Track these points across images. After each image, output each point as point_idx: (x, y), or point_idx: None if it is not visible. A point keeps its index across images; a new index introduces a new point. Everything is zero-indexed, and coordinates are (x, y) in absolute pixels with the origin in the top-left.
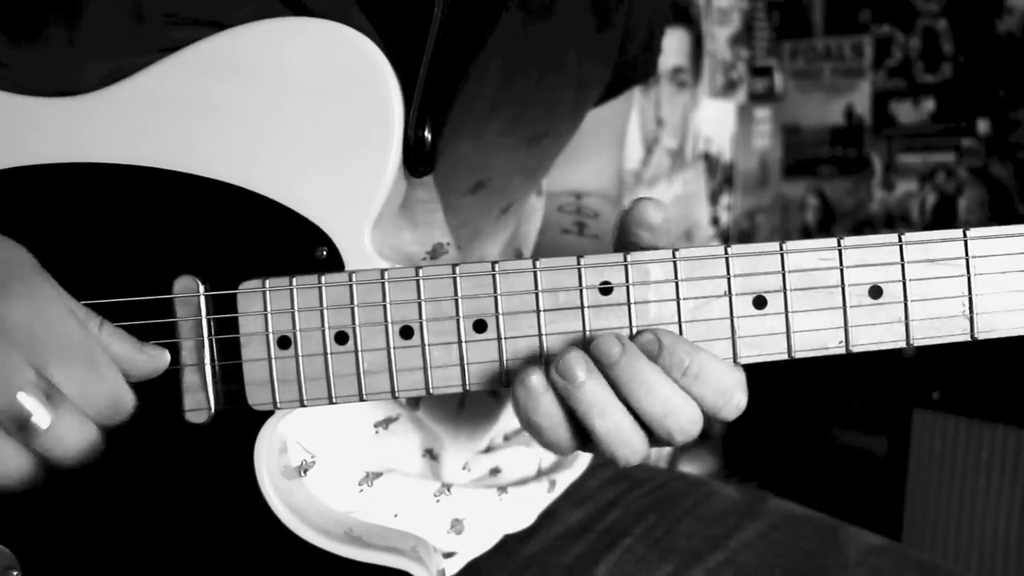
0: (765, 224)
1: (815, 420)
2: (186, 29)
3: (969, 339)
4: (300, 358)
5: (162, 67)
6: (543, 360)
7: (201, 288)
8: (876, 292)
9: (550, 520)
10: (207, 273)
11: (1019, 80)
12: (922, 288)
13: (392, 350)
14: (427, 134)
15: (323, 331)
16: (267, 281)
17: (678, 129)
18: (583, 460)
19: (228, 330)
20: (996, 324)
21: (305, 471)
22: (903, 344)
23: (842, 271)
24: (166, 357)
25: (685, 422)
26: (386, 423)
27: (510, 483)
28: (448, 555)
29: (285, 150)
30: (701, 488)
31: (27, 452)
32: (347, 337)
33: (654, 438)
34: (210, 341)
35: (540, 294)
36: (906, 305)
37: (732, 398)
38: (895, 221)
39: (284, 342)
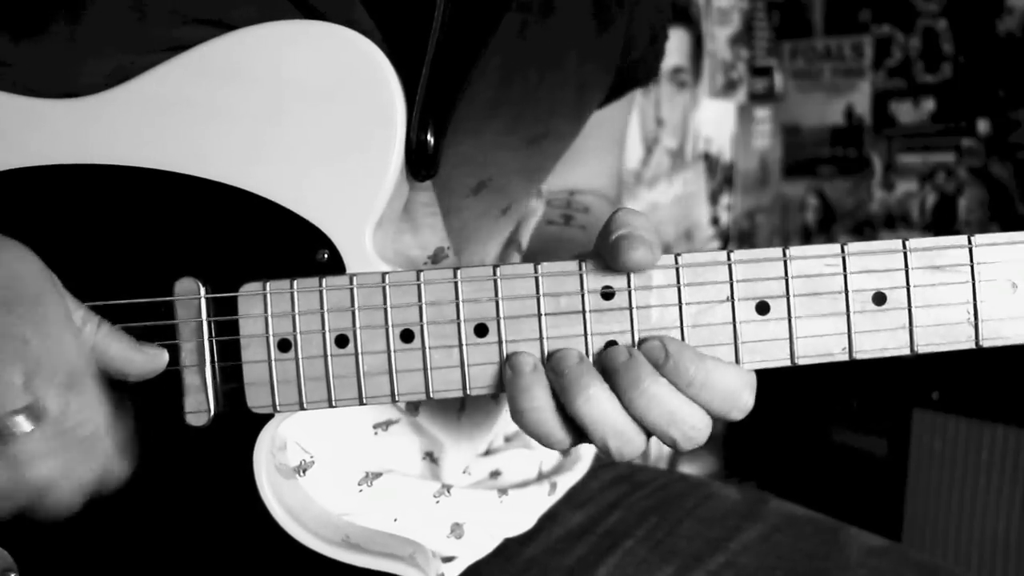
0: (765, 224)
1: (815, 420)
2: (189, 28)
3: (974, 347)
4: (300, 361)
5: (165, 69)
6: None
7: (202, 290)
8: (880, 299)
9: (551, 522)
10: (208, 275)
11: (1019, 80)
12: (926, 295)
13: (392, 354)
14: (429, 137)
15: (323, 334)
16: (268, 283)
17: (678, 129)
18: (584, 463)
19: (228, 332)
20: (1001, 331)
21: (304, 471)
22: (907, 351)
23: (846, 277)
24: (164, 357)
25: (689, 428)
26: (385, 425)
27: (510, 485)
28: (448, 559)
29: (287, 152)
30: (702, 490)
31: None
32: (347, 340)
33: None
34: (210, 343)
35: (541, 298)
36: (910, 312)
37: (739, 401)
38: (895, 221)
39: (284, 345)
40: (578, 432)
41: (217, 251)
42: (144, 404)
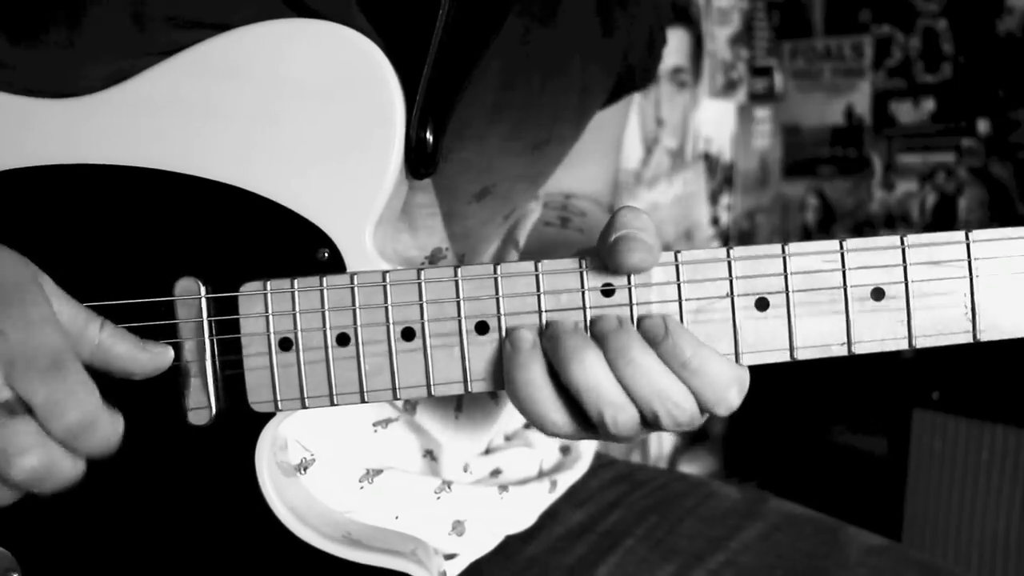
0: (765, 224)
1: (815, 420)
2: (188, 31)
3: (971, 341)
4: (301, 359)
5: (162, 69)
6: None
7: (202, 290)
8: (878, 294)
9: (551, 521)
10: (208, 275)
11: (1019, 80)
12: (924, 290)
13: (394, 352)
14: (429, 135)
15: (324, 332)
16: (268, 283)
17: (678, 129)
18: (584, 461)
19: (229, 331)
20: (998, 325)
21: (305, 469)
22: (905, 345)
23: (844, 273)
24: (169, 354)
25: (672, 406)
26: (385, 423)
27: (511, 483)
28: (449, 556)
29: (286, 151)
30: (702, 489)
31: None
32: (348, 339)
33: (644, 420)
34: (211, 342)
35: (542, 296)
36: (908, 307)
37: (727, 394)
38: (895, 221)
39: (285, 343)
40: (573, 414)
41: (217, 251)
42: (145, 403)
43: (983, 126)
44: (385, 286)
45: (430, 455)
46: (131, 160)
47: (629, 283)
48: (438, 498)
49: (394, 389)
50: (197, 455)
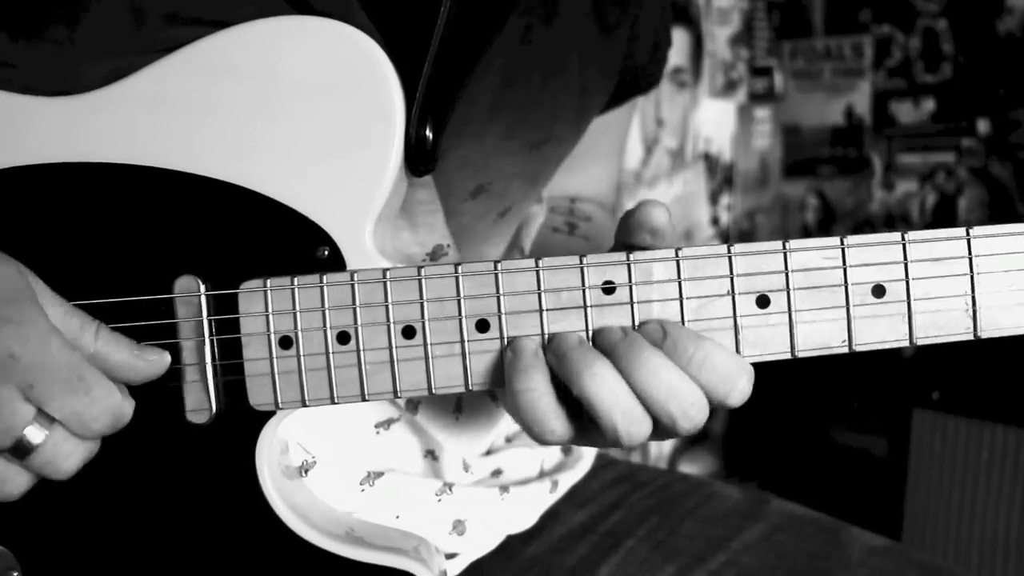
0: (765, 224)
1: (815, 420)
2: (187, 29)
3: (972, 338)
4: (302, 358)
5: (161, 66)
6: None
7: (202, 288)
8: (879, 291)
9: (552, 521)
10: (208, 273)
11: (1019, 80)
12: (925, 287)
13: (394, 350)
14: (428, 133)
15: (325, 331)
16: (268, 281)
17: (678, 129)
18: (585, 462)
19: (229, 330)
20: (999, 322)
21: (306, 471)
22: (906, 343)
23: (845, 270)
24: (166, 359)
25: (688, 405)
26: (387, 424)
27: (512, 483)
28: (450, 556)
29: (285, 149)
30: (703, 489)
31: (26, 472)
32: (349, 337)
33: (658, 426)
34: (211, 341)
35: (543, 293)
36: (909, 304)
37: (738, 383)
38: (895, 221)
39: (286, 342)
40: (573, 423)
41: (217, 249)
42: (144, 404)
43: (983, 126)
44: (385, 283)
45: (431, 455)
46: (130, 158)
47: (630, 281)
48: (439, 500)
49: (395, 388)
50: (197, 454)
